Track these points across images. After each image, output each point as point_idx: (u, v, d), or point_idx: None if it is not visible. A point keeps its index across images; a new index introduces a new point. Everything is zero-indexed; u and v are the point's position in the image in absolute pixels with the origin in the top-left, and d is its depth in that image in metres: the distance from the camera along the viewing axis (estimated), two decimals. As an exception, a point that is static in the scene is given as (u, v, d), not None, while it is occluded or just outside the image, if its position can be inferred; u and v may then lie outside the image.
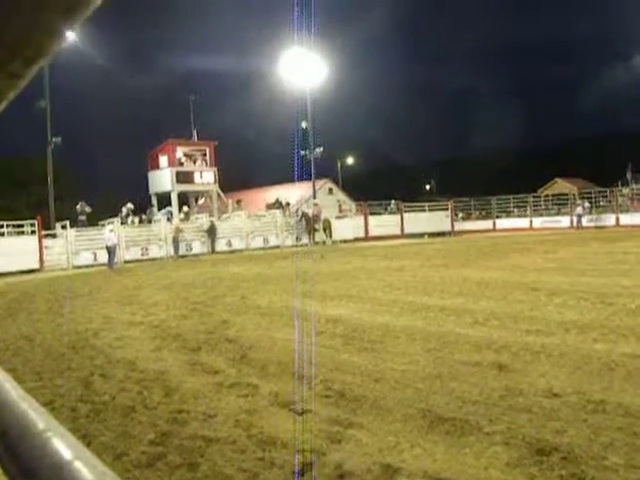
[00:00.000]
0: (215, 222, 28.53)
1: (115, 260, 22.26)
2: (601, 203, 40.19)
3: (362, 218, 35.12)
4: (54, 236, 24.92)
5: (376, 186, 72.31)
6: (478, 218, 41.94)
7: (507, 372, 4.97)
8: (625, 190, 41.98)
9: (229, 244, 28.69)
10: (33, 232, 23.86)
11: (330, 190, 52.69)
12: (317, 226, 30.78)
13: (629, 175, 45.28)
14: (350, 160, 72.54)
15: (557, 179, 70.48)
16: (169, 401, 4.79)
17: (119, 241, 23.98)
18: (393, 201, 38.38)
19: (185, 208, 31.35)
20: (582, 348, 5.56)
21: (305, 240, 30.71)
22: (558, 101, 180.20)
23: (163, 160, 32.78)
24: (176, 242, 26.15)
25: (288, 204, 34.90)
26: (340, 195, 52.79)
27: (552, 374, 4.82)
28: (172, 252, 26.13)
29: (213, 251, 27.27)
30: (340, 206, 41.98)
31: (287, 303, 9.83)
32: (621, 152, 64.84)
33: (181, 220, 29.14)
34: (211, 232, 27.53)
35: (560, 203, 41.03)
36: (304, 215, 31.01)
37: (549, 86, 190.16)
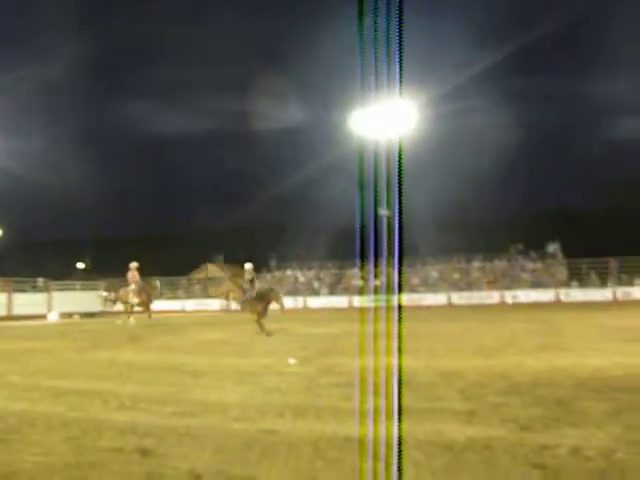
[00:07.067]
0: None
1: None
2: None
3: (5, 295, 32.18)
4: None
5: (24, 261, 67.09)
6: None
7: (151, 457, 4.87)
8: (269, 276, 45.79)
9: None
10: None
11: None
12: None
13: (273, 262, 49.56)
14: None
15: (208, 263, 73.73)
16: None
17: None
18: (41, 278, 35.98)
19: None
20: (224, 428, 5.75)
21: None
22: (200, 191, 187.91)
23: None
24: None
25: None
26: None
27: (196, 455, 4.86)
28: None
29: None
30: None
31: None
32: (267, 240, 70.83)
33: None
34: None
35: (212, 286, 42.85)
36: None
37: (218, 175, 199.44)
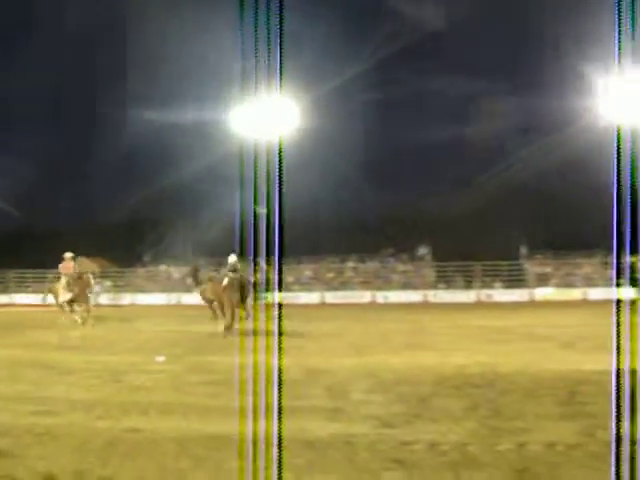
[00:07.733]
0: None
1: None
2: (119, 283, 41.96)
3: None
4: None
5: None
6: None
7: (4, 457, 4.65)
8: (141, 271, 44.78)
9: None
10: None
11: None
12: None
13: (146, 257, 48.34)
14: None
15: (78, 257, 70.61)
16: None
17: None
18: None
19: None
20: (86, 426, 5.59)
21: None
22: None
23: None
24: None
25: None
26: None
27: (54, 456, 4.70)
28: None
29: None
30: None
31: None
32: (142, 236, 68.38)
33: None
34: None
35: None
36: None
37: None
